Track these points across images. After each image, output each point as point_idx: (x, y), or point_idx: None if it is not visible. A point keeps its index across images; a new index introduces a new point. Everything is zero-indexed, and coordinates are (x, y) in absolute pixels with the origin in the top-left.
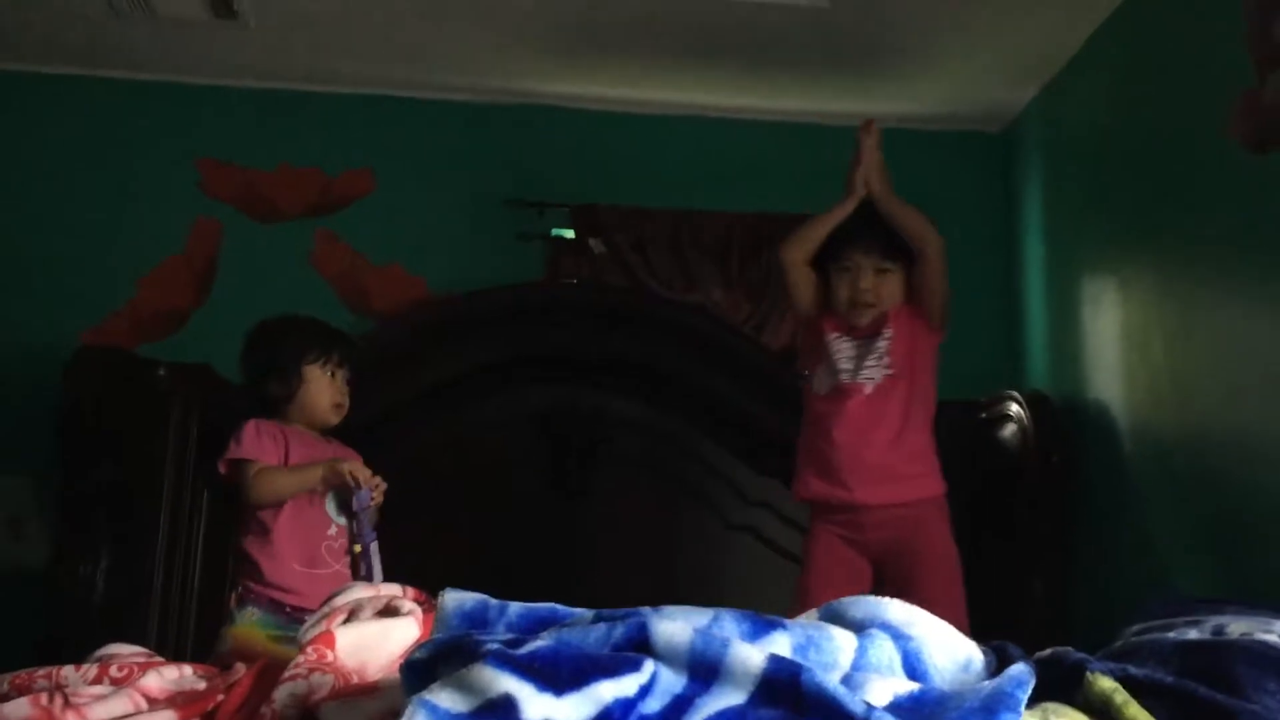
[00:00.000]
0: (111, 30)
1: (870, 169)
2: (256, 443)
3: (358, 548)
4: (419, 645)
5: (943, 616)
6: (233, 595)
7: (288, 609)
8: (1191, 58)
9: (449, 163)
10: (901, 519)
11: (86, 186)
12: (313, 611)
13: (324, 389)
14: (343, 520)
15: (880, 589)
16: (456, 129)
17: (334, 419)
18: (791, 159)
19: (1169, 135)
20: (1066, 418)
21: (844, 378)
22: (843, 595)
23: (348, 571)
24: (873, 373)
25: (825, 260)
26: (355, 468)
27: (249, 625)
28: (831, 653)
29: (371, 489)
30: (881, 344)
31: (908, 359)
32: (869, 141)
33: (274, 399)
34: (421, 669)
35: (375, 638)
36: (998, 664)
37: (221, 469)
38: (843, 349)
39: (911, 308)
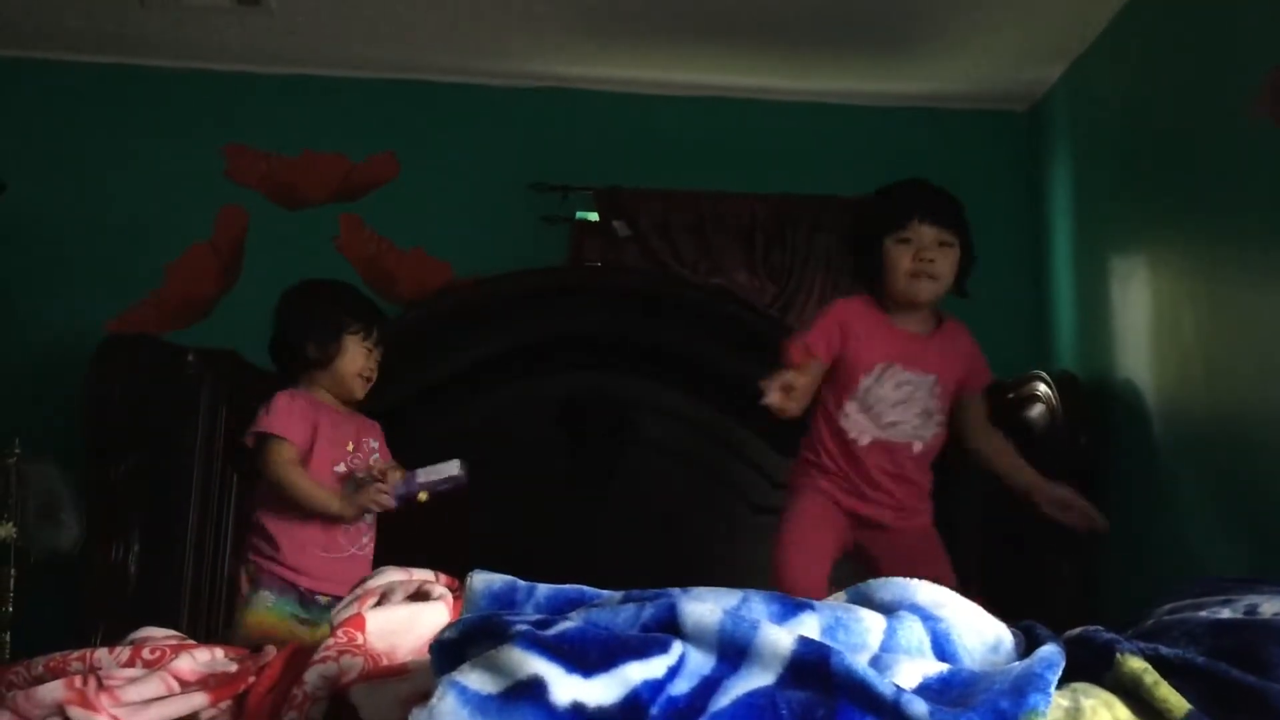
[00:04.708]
0: (137, 18)
1: None
2: (288, 417)
3: (423, 496)
4: (448, 625)
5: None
6: (243, 574)
7: (301, 590)
8: (1220, 34)
9: (473, 146)
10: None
11: (112, 174)
12: (326, 594)
13: (359, 362)
14: (369, 518)
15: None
16: (480, 112)
17: (359, 394)
18: (816, 140)
19: (1197, 113)
20: (1095, 399)
21: (890, 434)
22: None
23: (363, 555)
24: (922, 430)
25: (880, 233)
26: (374, 496)
27: (264, 611)
28: (860, 634)
29: (404, 482)
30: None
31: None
32: None
33: (308, 361)
34: (450, 649)
35: (405, 621)
36: (1027, 645)
37: (249, 441)
38: (884, 394)
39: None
